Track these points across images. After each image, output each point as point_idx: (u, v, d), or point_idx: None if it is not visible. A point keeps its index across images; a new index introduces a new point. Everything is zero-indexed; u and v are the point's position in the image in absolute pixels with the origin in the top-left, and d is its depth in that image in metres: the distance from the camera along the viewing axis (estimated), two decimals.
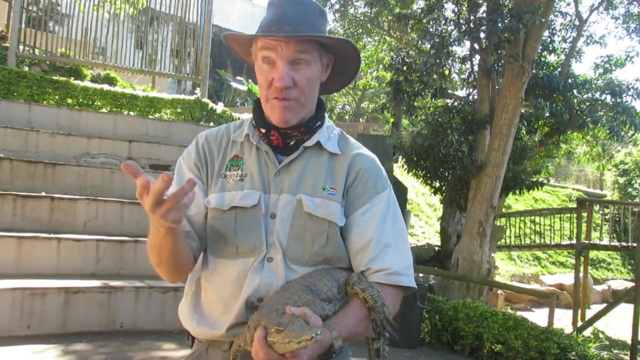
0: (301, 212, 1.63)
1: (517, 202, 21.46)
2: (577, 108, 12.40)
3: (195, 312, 1.69)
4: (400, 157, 11.67)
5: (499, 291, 13.16)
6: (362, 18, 14.70)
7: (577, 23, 13.28)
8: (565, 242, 14.95)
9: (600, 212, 19.43)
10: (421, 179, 11.80)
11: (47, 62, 10.19)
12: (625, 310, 13.05)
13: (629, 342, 10.71)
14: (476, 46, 10.98)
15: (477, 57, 11.43)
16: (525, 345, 6.47)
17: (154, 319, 5.05)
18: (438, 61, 10.86)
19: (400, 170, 14.03)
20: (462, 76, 13.06)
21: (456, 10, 11.18)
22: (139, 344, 4.70)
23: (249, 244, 1.62)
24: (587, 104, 12.49)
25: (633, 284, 13.38)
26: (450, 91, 12.87)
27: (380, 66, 15.19)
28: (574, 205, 15.55)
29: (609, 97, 12.45)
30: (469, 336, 6.71)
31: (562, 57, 13.13)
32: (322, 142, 1.72)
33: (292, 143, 1.71)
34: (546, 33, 11.74)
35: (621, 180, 26.23)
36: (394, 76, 11.73)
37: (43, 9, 10.10)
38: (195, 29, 10.76)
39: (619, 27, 14.23)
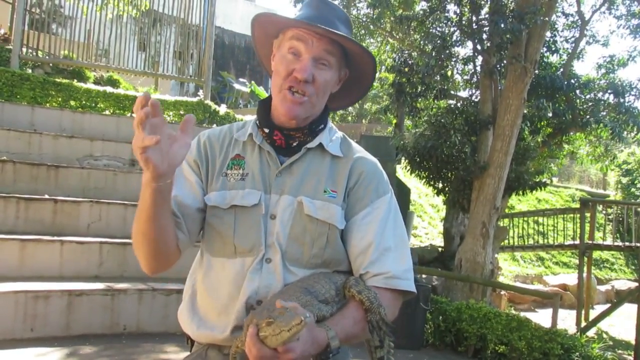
0: (301, 214, 1.63)
1: (520, 202, 21.43)
2: (580, 108, 12.38)
3: (193, 316, 1.69)
4: (403, 158, 11.66)
5: (503, 292, 13.14)
6: (364, 19, 14.70)
7: (579, 23, 13.26)
8: (569, 242, 14.95)
9: (604, 212, 19.45)
10: (424, 180, 11.78)
11: (50, 65, 10.20)
12: (629, 311, 13.03)
13: (633, 342, 10.70)
14: (478, 47, 10.97)
15: (480, 58, 11.42)
16: (529, 346, 6.45)
17: (157, 321, 5.05)
18: (440, 62, 10.85)
19: (403, 172, 14.02)
20: (465, 77, 13.05)
21: (458, 11, 11.18)
22: (142, 346, 4.70)
23: (247, 243, 1.62)
24: (590, 104, 12.47)
25: (637, 284, 13.40)
26: (452, 92, 12.86)
27: (383, 67, 15.18)
28: (577, 206, 15.55)
29: (611, 97, 12.43)
30: (473, 337, 6.69)
31: (565, 57, 13.12)
32: (325, 144, 1.73)
33: (294, 144, 1.71)
34: (548, 34, 11.72)
35: (624, 180, 26.18)
36: (396, 77, 11.72)
37: (46, 11, 10.12)
38: (198, 31, 10.77)
39: (621, 27, 14.19)
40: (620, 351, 11.01)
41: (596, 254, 18.65)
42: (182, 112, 9.55)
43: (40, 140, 7.03)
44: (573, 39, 13.28)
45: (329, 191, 1.67)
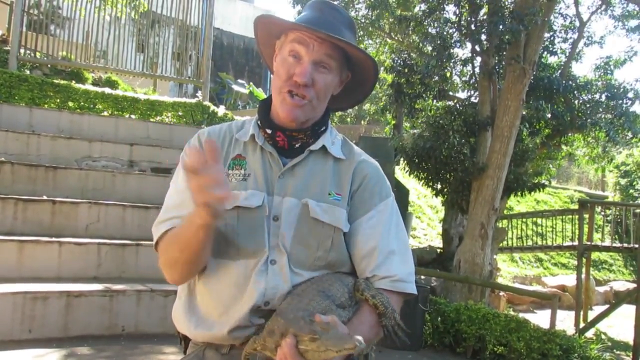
0: (307, 217, 1.63)
1: (518, 203, 21.44)
2: (578, 110, 12.39)
3: (191, 314, 1.68)
4: (402, 159, 11.66)
5: (501, 293, 13.14)
6: (363, 20, 14.68)
7: (577, 24, 13.27)
8: (567, 243, 14.93)
9: (602, 213, 19.44)
10: (423, 181, 11.78)
11: (49, 66, 10.20)
12: (627, 312, 13.04)
13: (632, 343, 10.70)
14: (477, 48, 10.97)
15: (478, 59, 11.42)
16: (527, 347, 6.46)
17: (155, 322, 5.04)
18: (439, 63, 10.85)
19: (401, 173, 14.03)
20: (464, 78, 13.05)
21: (457, 12, 11.18)
22: (141, 347, 4.70)
23: (251, 245, 1.61)
24: (588, 105, 12.48)
25: (635, 285, 13.39)
26: (451, 93, 12.87)
27: (382, 68, 15.18)
28: (576, 207, 15.54)
29: (607, 98, 12.44)
30: (471, 338, 6.70)
31: (563, 58, 13.12)
32: (328, 147, 1.72)
33: (297, 145, 1.71)
34: (547, 35, 11.73)
35: (623, 181, 26.19)
36: (395, 78, 11.73)
37: (44, 12, 10.11)
38: (196, 32, 10.77)
39: (618, 28, 14.20)
40: (618, 352, 11.01)
41: (595, 255, 18.67)
42: (180, 114, 9.55)
43: (39, 141, 7.02)
44: (571, 40, 13.29)
45: (333, 194, 1.67)
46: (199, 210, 1.43)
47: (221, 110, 10.22)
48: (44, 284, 4.89)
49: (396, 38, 14.24)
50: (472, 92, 12.54)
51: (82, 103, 8.80)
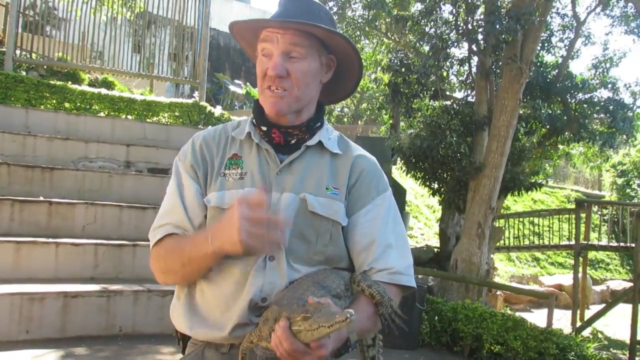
0: (305, 211, 1.63)
1: (515, 203, 21.45)
2: (575, 110, 12.40)
3: (191, 314, 1.68)
4: (399, 159, 11.67)
5: (498, 292, 13.15)
6: (360, 20, 14.69)
7: (574, 24, 13.28)
8: (564, 242, 14.94)
9: (599, 212, 19.48)
10: (420, 180, 11.78)
11: (45, 67, 10.17)
12: (624, 311, 13.03)
13: (628, 342, 10.71)
14: (474, 48, 10.98)
15: (475, 58, 11.44)
16: (524, 346, 6.47)
17: (153, 323, 5.04)
18: (436, 63, 10.86)
19: (399, 172, 14.03)
20: (460, 78, 13.07)
21: (454, 12, 11.19)
22: (138, 347, 4.70)
23: None
24: (585, 105, 12.49)
25: (631, 284, 13.36)
26: (448, 93, 12.88)
27: (379, 68, 15.18)
28: (573, 206, 15.54)
29: (605, 94, 12.50)
30: (468, 337, 6.70)
31: (560, 57, 13.14)
32: (324, 142, 1.74)
33: (293, 142, 1.72)
34: (544, 34, 11.74)
35: (619, 181, 26.22)
36: (392, 78, 11.74)
37: (40, 13, 10.10)
38: (193, 33, 10.76)
39: (616, 27, 14.22)
40: (615, 351, 11.03)
41: (591, 255, 18.69)
42: (177, 114, 9.54)
43: (35, 143, 7.01)
44: (568, 40, 13.31)
45: (331, 188, 1.68)
46: (228, 243, 1.47)
47: (218, 111, 10.20)
48: (41, 284, 4.89)
49: (393, 38, 14.25)
50: (469, 91, 12.56)
51: (79, 104, 8.78)
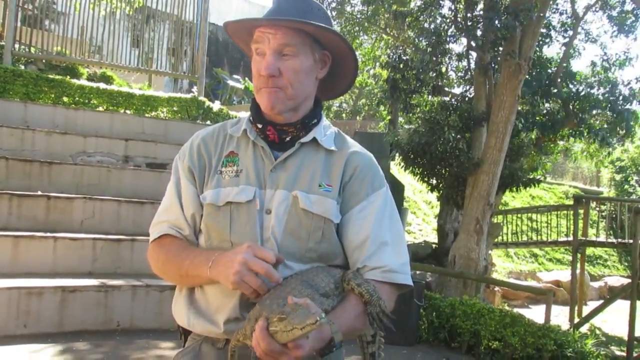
0: (297, 208, 1.63)
1: (514, 199, 21.47)
2: (573, 106, 12.40)
3: (191, 307, 1.69)
4: (397, 154, 11.66)
5: (496, 288, 13.18)
6: (358, 16, 14.69)
7: (573, 20, 13.27)
8: (562, 239, 14.98)
9: (597, 209, 19.46)
10: (418, 176, 11.78)
11: (43, 61, 10.17)
12: (621, 307, 13.07)
13: (626, 338, 10.74)
14: (473, 44, 10.97)
15: (474, 54, 11.43)
16: (522, 342, 6.47)
17: (151, 318, 5.05)
18: (435, 58, 10.86)
19: (397, 168, 14.03)
20: (459, 74, 13.06)
21: (453, 7, 11.18)
22: (136, 342, 4.70)
23: (243, 239, 1.60)
24: (584, 102, 12.49)
25: (629, 280, 13.41)
26: (446, 89, 12.86)
27: (377, 64, 15.17)
28: (571, 202, 15.55)
29: (603, 96, 12.48)
30: (466, 333, 6.71)
31: (556, 56, 13.13)
32: (319, 139, 1.72)
33: (288, 139, 1.71)
34: (543, 31, 11.72)
35: (617, 177, 26.28)
36: (390, 74, 11.71)
37: (39, 7, 10.08)
38: (191, 27, 10.75)
39: (614, 26, 14.19)
40: (613, 347, 11.07)
41: (589, 251, 18.71)
42: (175, 109, 9.53)
43: (33, 137, 7.00)
44: (567, 37, 13.29)
45: (324, 185, 1.67)
46: (223, 277, 1.52)
47: (216, 106, 10.19)
48: (39, 279, 4.90)
49: (392, 33, 14.24)
50: (468, 87, 12.54)
51: (77, 98, 8.77)
